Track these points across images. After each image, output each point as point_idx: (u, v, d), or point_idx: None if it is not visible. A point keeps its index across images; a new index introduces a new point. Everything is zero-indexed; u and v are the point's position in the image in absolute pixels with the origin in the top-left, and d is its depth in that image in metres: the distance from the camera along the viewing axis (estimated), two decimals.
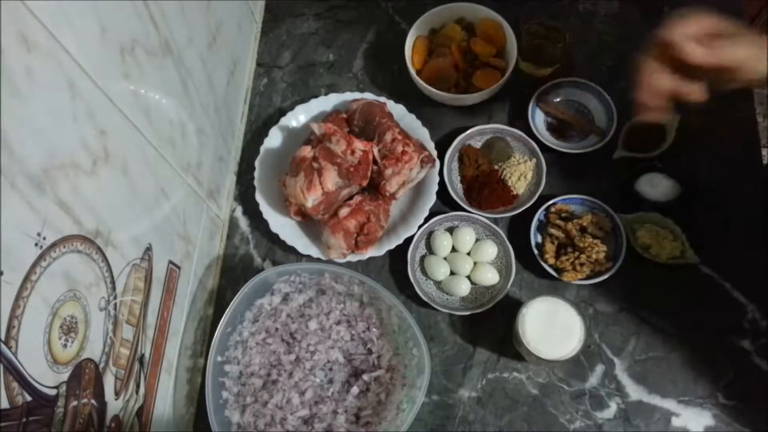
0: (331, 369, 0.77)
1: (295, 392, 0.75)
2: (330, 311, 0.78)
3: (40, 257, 0.47)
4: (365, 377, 0.74)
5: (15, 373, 0.44)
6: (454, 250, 0.85)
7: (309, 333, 0.77)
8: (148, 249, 0.67)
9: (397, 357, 0.76)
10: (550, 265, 0.81)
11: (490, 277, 0.83)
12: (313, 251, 0.85)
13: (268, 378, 0.76)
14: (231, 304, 0.75)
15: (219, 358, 0.75)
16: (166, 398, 0.73)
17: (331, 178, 0.80)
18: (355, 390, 0.74)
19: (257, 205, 0.87)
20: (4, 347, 0.43)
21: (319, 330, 0.77)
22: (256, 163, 0.90)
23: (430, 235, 0.86)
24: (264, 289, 0.79)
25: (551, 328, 0.74)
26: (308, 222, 0.87)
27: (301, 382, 0.75)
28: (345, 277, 0.77)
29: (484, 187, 0.88)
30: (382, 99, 0.92)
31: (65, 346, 0.50)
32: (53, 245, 0.48)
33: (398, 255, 0.84)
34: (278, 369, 0.76)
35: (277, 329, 0.78)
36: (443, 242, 0.84)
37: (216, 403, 0.73)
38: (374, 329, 0.77)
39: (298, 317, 0.79)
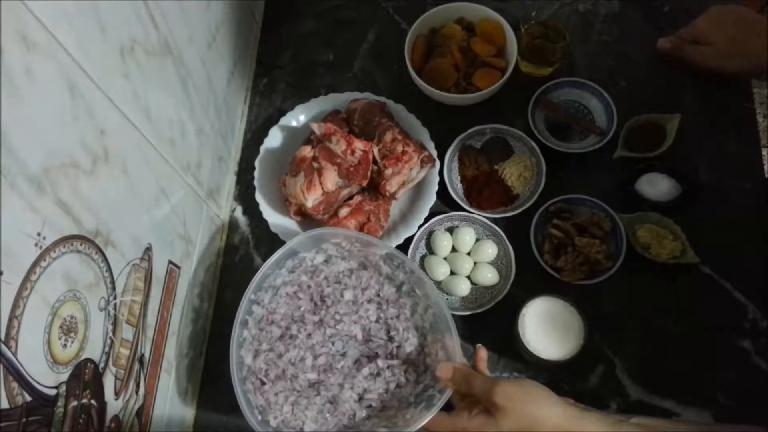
0: (348, 343, 0.76)
1: (310, 353, 0.74)
2: (367, 288, 0.77)
3: (40, 257, 0.47)
4: (379, 362, 0.74)
5: (15, 373, 0.44)
6: (454, 250, 0.85)
7: (341, 302, 0.76)
8: (148, 249, 0.67)
9: (420, 354, 0.75)
10: (550, 265, 0.81)
11: (490, 277, 0.83)
12: None
13: (287, 331, 0.76)
14: (285, 246, 0.75)
15: (252, 296, 0.75)
16: (166, 398, 0.73)
17: (331, 178, 0.80)
18: (365, 371, 0.73)
19: (257, 205, 0.87)
20: (4, 347, 0.43)
21: (352, 302, 0.76)
22: (256, 163, 0.90)
23: (430, 235, 0.86)
24: (310, 246, 0.78)
25: (551, 328, 0.74)
26: (308, 222, 0.87)
27: (317, 346, 0.75)
28: (396, 260, 0.76)
29: (484, 187, 0.88)
30: (382, 99, 0.92)
31: (65, 346, 0.50)
32: (53, 245, 0.48)
33: None
34: (299, 325, 0.76)
35: (310, 287, 0.78)
36: (443, 242, 0.84)
37: (238, 340, 0.73)
38: (403, 319, 0.76)
39: (334, 282, 0.78)
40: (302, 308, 0.76)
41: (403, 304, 0.76)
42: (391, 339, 0.76)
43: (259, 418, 0.70)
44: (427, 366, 0.73)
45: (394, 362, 0.74)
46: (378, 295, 0.77)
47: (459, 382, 0.65)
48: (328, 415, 0.72)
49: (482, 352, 0.70)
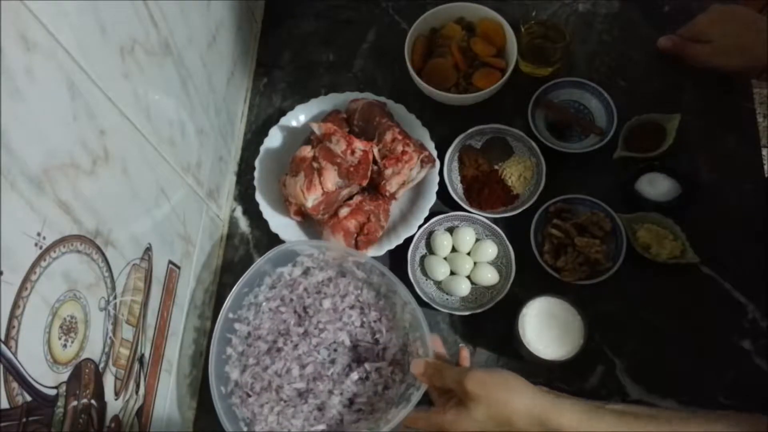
0: (335, 350, 0.77)
1: (297, 364, 0.75)
2: (346, 294, 0.78)
3: (40, 257, 0.47)
4: (367, 366, 0.74)
5: (15, 373, 0.44)
6: (454, 250, 0.85)
7: (322, 311, 0.77)
8: (148, 249, 0.67)
9: (404, 354, 0.76)
10: (550, 265, 0.81)
11: (490, 277, 0.83)
12: None
13: (273, 344, 0.77)
14: (252, 266, 0.77)
15: (231, 315, 0.76)
16: (166, 398, 0.73)
17: (331, 178, 0.80)
18: (354, 376, 0.74)
19: (257, 205, 0.87)
20: (4, 347, 0.43)
21: (332, 310, 0.78)
22: (256, 163, 0.90)
23: (430, 235, 0.86)
24: (287, 259, 0.80)
25: (551, 328, 0.74)
26: (308, 222, 0.87)
27: (304, 356, 0.76)
28: (367, 265, 0.77)
29: (484, 187, 0.88)
30: (382, 99, 0.92)
31: (65, 346, 0.50)
32: (53, 245, 0.48)
33: (398, 255, 0.84)
34: (285, 338, 0.77)
35: (291, 300, 0.79)
36: (443, 242, 0.84)
37: (219, 357, 0.74)
38: (385, 321, 0.77)
39: (314, 293, 0.79)
40: (286, 321, 0.78)
41: (384, 306, 0.77)
42: (376, 342, 0.77)
43: (245, 429, 0.71)
44: (410, 364, 0.74)
45: (381, 364, 0.74)
46: (358, 301, 0.78)
47: (431, 375, 0.65)
48: (314, 421, 0.73)
49: (465, 352, 0.71)
